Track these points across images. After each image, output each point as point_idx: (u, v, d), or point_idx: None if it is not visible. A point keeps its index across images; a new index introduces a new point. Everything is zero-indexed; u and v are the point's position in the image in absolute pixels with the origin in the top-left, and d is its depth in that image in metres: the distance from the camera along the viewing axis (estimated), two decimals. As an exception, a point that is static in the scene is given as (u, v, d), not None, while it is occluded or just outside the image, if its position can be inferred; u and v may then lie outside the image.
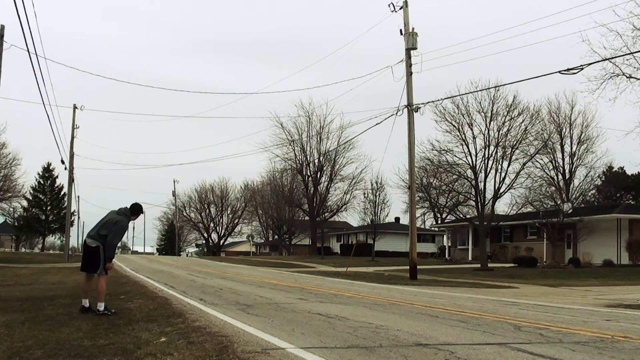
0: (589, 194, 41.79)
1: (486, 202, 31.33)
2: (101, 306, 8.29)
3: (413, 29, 21.50)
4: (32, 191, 62.04)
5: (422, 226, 61.54)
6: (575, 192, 35.99)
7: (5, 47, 21.29)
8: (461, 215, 36.81)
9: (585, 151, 36.00)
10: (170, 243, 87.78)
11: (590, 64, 17.20)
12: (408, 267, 21.16)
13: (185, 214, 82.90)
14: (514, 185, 31.79)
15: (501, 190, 31.26)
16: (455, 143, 31.37)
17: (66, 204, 49.62)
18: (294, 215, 60.33)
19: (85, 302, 8.54)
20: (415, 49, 21.54)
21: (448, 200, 39.80)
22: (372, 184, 46.26)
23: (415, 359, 5.29)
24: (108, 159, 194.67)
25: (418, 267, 21.31)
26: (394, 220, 60.81)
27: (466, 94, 28.96)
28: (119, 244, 9.13)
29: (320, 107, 72.14)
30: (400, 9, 21.92)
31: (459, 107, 30.93)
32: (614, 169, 50.09)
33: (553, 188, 35.09)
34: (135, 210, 8.80)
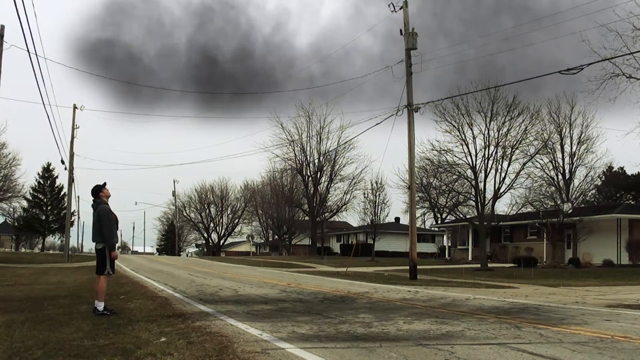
0: (589, 194, 41.73)
1: (486, 202, 31.31)
2: (100, 305, 8.28)
3: (413, 29, 21.53)
4: (32, 191, 62.00)
5: (422, 226, 61.57)
6: (575, 192, 35.95)
7: (5, 47, 21.34)
8: (461, 215, 36.79)
9: (585, 151, 35.94)
10: (170, 243, 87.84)
11: (590, 64, 17.17)
12: (408, 267, 21.16)
13: (185, 214, 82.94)
14: (514, 185, 31.78)
15: (501, 190, 31.25)
16: (455, 143, 31.35)
17: (66, 204, 49.64)
18: (294, 215, 60.34)
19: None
20: (415, 49, 21.56)
21: (448, 200, 39.75)
22: (372, 184, 46.26)
23: (415, 359, 5.30)
24: (108, 159, 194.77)
25: (418, 267, 21.30)
26: (394, 220, 60.82)
27: (466, 94, 28.92)
28: (118, 233, 8.97)
29: (320, 107, 72.09)
30: (400, 9, 21.95)
31: (459, 107, 30.92)
32: (614, 169, 50.08)
33: (553, 188, 35.06)
34: (95, 192, 8.68)
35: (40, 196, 63.49)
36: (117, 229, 8.80)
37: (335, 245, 65.49)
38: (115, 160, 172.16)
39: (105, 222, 8.37)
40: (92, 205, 8.64)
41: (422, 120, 24.87)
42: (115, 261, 8.71)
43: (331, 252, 61.62)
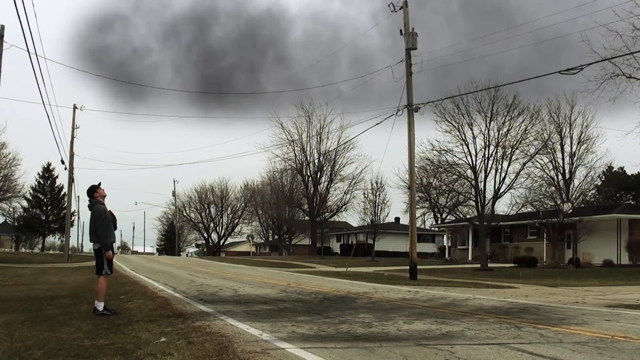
0: (589, 194, 41.72)
1: (486, 202, 31.30)
2: (100, 306, 8.28)
3: (413, 29, 21.55)
4: (32, 191, 62.01)
5: (422, 226, 61.53)
6: (575, 192, 35.91)
7: (5, 47, 21.34)
8: (461, 215, 36.76)
9: (585, 151, 35.89)
10: (170, 243, 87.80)
11: (590, 64, 17.17)
12: (408, 267, 21.17)
13: (185, 214, 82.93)
14: (514, 185, 31.76)
15: (501, 190, 31.24)
16: (455, 143, 31.32)
17: (66, 204, 49.64)
18: (294, 215, 60.33)
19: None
20: (415, 49, 21.56)
21: (448, 200, 39.75)
22: (372, 184, 46.25)
23: (415, 359, 5.30)
24: (108, 159, 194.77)
25: (418, 267, 21.31)
26: (394, 220, 60.79)
27: (466, 94, 28.89)
28: (117, 233, 8.96)
29: (320, 107, 72.18)
30: (400, 9, 21.96)
31: (459, 107, 30.90)
32: (614, 169, 50.08)
33: (553, 188, 35.03)
34: (90, 192, 8.67)
35: (40, 196, 63.48)
36: (115, 228, 8.78)
37: (335, 245, 65.46)
38: (115, 160, 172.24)
39: (99, 223, 8.35)
40: (88, 206, 8.63)
41: (422, 120, 24.87)
42: (115, 261, 8.71)
43: (331, 252, 61.59)
